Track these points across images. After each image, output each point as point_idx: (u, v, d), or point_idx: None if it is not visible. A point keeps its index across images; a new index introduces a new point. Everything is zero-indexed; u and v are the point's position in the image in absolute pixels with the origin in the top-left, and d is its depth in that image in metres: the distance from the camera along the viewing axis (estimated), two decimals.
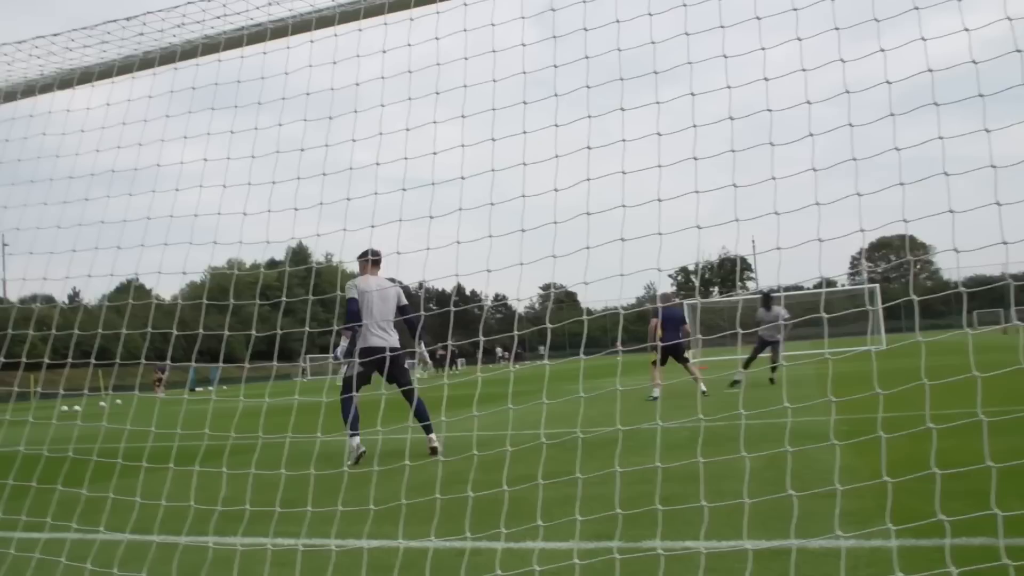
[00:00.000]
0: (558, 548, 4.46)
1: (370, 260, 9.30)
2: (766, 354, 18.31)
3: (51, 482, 5.12)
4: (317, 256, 56.00)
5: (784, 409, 3.71)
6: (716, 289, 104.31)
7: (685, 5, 3.95)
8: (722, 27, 3.86)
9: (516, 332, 4.25)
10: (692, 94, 3.88)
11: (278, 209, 4.86)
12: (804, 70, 3.77)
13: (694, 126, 3.89)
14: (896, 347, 20.21)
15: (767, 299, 18.73)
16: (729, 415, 7.91)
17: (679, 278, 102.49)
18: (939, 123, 3.46)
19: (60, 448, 5.41)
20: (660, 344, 15.33)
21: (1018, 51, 3.22)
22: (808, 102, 3.75)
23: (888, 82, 3.58)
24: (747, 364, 18.69)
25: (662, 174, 3.84)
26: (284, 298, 4.75)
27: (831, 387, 3.78)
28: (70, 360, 5.32)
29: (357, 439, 8.61)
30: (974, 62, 3.47)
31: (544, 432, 6.15)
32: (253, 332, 4.72)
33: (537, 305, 76.32)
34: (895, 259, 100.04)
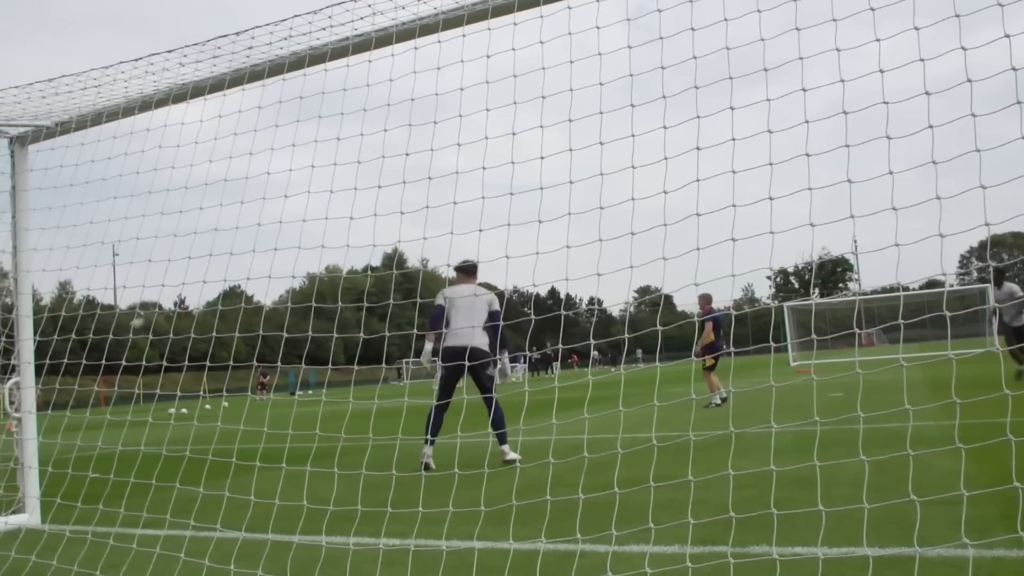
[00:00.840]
0: (668, 552, 4.41)
1: (463, 269, 9.31)
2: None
3: (170, 480, 5.31)
4: (413, 262, 56.79)
5: (890, 413, 3.59)
6: (817, 291, 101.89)
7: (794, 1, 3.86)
8: (834, 20, 3.76)
9: (636, 332, 4.22)
10: (804, 90, 3.80)
11: (384, 213, 4.93)
12: (922, 60, 3.65)
13: (806, 122, 3.81)
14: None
15: (999, 274, 15.84)
16: (838, 418, 7.69)
17: (778, 279, 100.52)
18: None
19: (177, 448, 5.60)
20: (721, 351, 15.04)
21: None
22: (927, 93, 3.63)
23: (1014, 68, 3.43)
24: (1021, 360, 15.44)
25: (773, 172, 3.78)
26: (391, 300, 4.83)
27: (953, 390, 3.65)
28: (186, 364, 5.51)
29: (429, 449, 8.64)
30: None
31: (655, 435, 6.10)
32: (361, 334, 4.80)
33: (633, 308, 75.81)
34: (1008, 258, 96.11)
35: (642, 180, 4.05)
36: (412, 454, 9.40)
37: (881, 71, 3.66)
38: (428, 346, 9.22)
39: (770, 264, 3.79)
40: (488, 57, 4.67)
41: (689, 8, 4.15)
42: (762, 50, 3.91)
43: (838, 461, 5.92)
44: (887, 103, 3.63)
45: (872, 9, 3.78)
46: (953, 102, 3.66)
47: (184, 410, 25.75)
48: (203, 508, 5.35)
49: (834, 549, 4.17)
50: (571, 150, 4.31)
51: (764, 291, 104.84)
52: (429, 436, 8.59)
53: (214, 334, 5.49)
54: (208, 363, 5.43)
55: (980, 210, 3.54)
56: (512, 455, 8.66)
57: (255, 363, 5.28)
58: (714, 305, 15.87)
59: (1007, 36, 3.37)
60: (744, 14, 4.02)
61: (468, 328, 8.83)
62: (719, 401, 15.27)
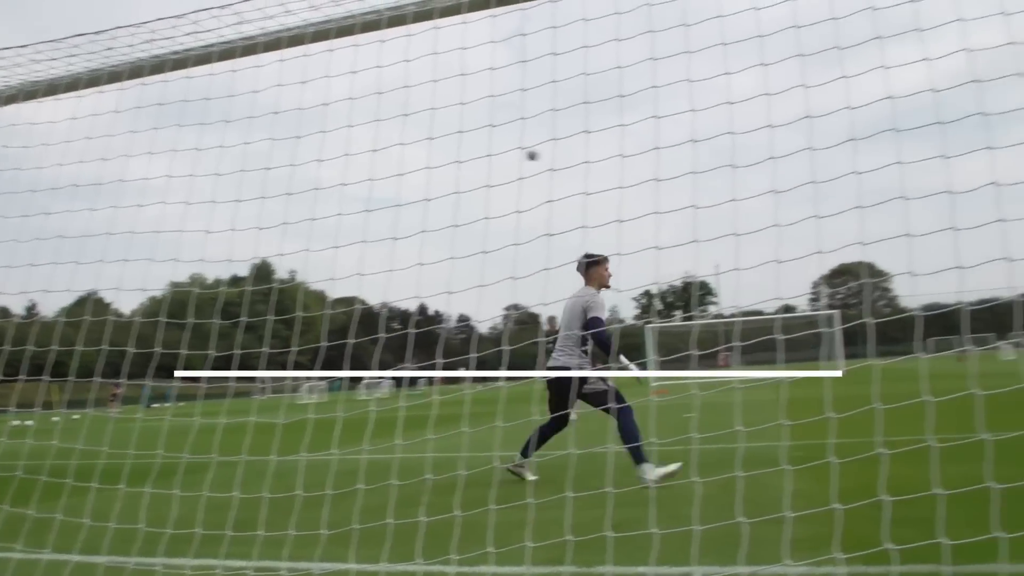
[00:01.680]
0: (510, 573, 4.42)
1: (581, 267, 7.69)
2: None
3: None
4: (281, 274, 55.67)
5: (743, 433, 3.71)
6: (679, 312, 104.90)
7: (652, 32, 3.97)
8: (688, 52, 3.89)
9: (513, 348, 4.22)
10: (656, 117, 3.91)
11: (242, 228, 4.81)
12: (768, 95, 3.81)
13: (656, 148, 3.92)
14: (852, 370, 20.42)
15: None
16: (680, 438, 7.90)
17: (643, 300, 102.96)
18: (899, 149, 3.51)
19: (8, 465, 5.29)
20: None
21: (976, 81, 3.27)
22: (770, 126, 3.79)
23: (850, 107, 3.62)
24: None
25: (623, 196, 3.86)
26: (272, 316, 4.69)
27: (784, 412, 3.79)
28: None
29: (520, 459, 7.61)
30: (934, 91, 3.52)
31: (498, 455, 6.11)
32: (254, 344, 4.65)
33: (500, 326, 76.34)
34: (855, 285, 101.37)
35: (496, 199, 4.08)
36: (258, 472, 9.15)
37: (730, 103, 3.80)
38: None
39: (619, 285, 3.85)
40: (354, 73, 4.62)
41: (552, 34, 4.21)
42: (619, 78, 4.01)
43: (676, 483, 6.08)
44: (733, 133, 3.77)
45: (724, 44, 3.92)
46: (797, 135, 3.83)
47: (30, 422, 24.39)
48: (34, 529, 5.06)
49: (674, 569, 4.25)
50: (429, 168, 4.31)
51: (629, 311, 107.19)
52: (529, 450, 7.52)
53: (80, 347, 5.21)
54: (49, 376, 5.16)
55: (824, 239, 3.71)
56: (660, 471, 6.75)
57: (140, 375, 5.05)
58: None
59: (844, 77, 3.56)
60: (603, 42, 4.11)
61: (563, 342, 7.56)
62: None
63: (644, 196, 3.79)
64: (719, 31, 3.99)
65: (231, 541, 4.55)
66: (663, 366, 41.10)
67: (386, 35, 4.67)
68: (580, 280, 7.65)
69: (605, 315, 7.47)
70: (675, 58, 3.99)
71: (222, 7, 4.82)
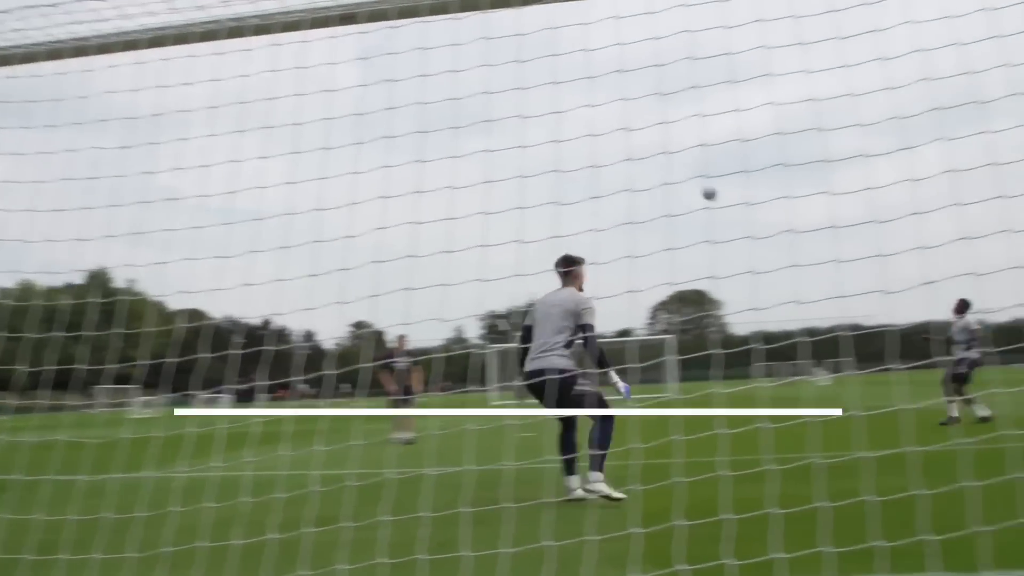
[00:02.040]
0: None
1: (558, 271, 7.44)
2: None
3: None
4: (118, 283, 53.29)
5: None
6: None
7: (519, 61, 4.08)
8: (554, 83, 4.03)
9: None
10: (521, 147, 4.02)
11: (90, 237, 4.64)
12: (627, 129, 3.99)
13: (521, 177, 4.03)
14: (693, 396, 21.14)
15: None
16: (537, 460, 8.02)
17: (488, 321, 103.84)
18: (746, 186, 3.74)
19: None
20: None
21: (818, 129, 3.54)
22: (629, 159, 3.97)
23: (704, 145, 3.84)
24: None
25: (488, 221, 3.95)
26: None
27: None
28: None
29: (572, 480, 7.12)
30: (780, 134, 3.78)
31: (318, 475, 6.01)
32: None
33: (348, 342, 75.24)
34: (691, 313, 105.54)
35: (362, 216, 4.10)
36: (88, 491, 8.72)
37: (592, 135, 3.96)
38: (517, 377, 7.66)
39: (478, 308, 3.94)
40: (217, 82, 4.54)
41: (421, 56, 4.27)
42: (487, 103, 4.11)
43: (487, 508, 6.18)
44: (595, 166, 3.93)
45: (590, 78, 4.08)
46: (652, 169, 4.02)
47: None
48: None
49: None
50: (291, 183, 4.28)
51: (474, 332, 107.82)
52: (565, 468, 7.14)
53: None
54: None
55: (667, 268, 3.90)
56: (583, 492, 6.86)
57: None
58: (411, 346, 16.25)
59: (700, 115, 3.77)
60: (473, 67, 4.20)
61: (544, 345, 7.16)
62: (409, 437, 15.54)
63: (509, 222, 3.89)
64: (585, 63, 4.15)
65: (33, 566, 4.29)
66: (505, 388, 41.73)
67: (253, 43, 4.61)
68: (566, 282, 7.34)
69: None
70: (541, 88, 4.13)
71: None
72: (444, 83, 4.18)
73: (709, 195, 4.55)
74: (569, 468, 7.08)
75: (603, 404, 6.94)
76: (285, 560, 4.60)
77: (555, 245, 3.85)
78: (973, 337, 14.14)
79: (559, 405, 6.92)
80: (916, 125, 3.86)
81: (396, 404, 15.75)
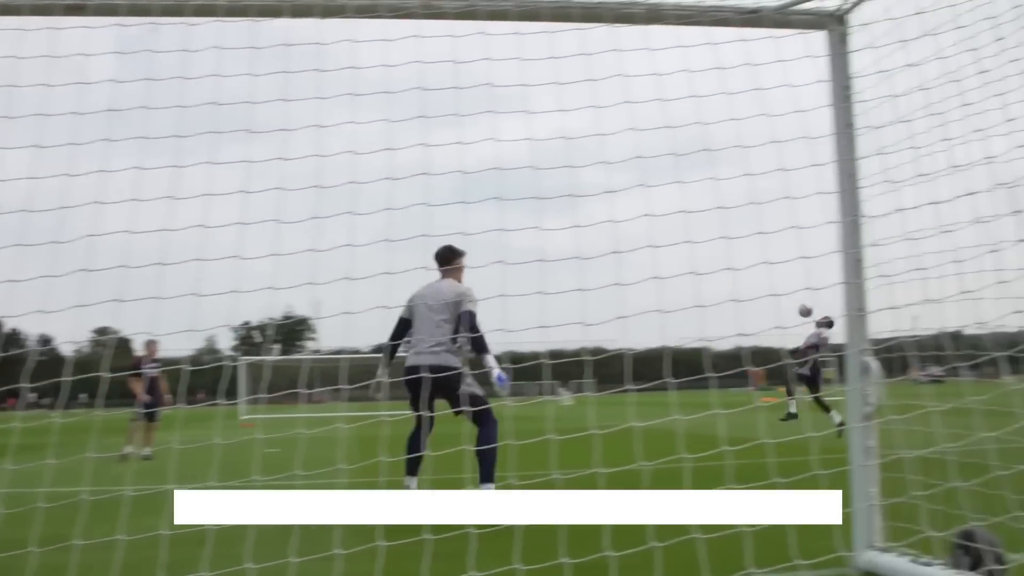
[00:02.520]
0: None
1: (436, 257, 7.32)
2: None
3: None
4: None
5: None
6: (279, 346, 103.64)
7: (286, 72, 4.07)
8: (319, 98, 4.05)
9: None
10: (282, 159, 4.01)
11: None
12: (390, 149, 4.08)
13: (280, 188, 4.02)
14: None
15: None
16: (282, 476, 7.88)
17: (241, 331, 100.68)
18: (502, 214, 3.93)
19: None
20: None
21: (569, 167, 3.78)
22: (390, 178, 4.06)
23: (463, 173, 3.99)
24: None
25: (243, 231, 3.90)
26: None
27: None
28: None
29: (410, 481, 7.01)
30: (534, 168, 3.99)
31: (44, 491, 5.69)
32: None
33: (88, 349, 70.43)
34: None
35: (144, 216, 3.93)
36: None
37: (354, 152, 4.02)
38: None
39: (230, 319, 3.87)
40: None
41: (182, 57, 4.15)
42: (249, 111, 4.06)
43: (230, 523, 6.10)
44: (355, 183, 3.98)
45: (353, 95, 4.13)
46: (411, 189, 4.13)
47: None
48: None
49: None
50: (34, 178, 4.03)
51: (227, 342, 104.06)
52: (407, 467, 6.97)
53: None
54: None
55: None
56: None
57: None
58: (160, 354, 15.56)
59: (460, 143, 3.92)
60: (237, 74, 4.14)
61: (427, 340, 7.03)
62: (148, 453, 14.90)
63: (266, 232, 3.86)
64: (351, 81, 4.19)
65: None
66: (254, 400, 40.59)
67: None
68: (447, 272, 7.29)
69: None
70: (305, 102, 4.14)
71: None
72: (206, 87, 4.10)
73: (805, 313, 4.84)
74: (411, 468, 6.94)
75: (486, 408, 6.88)
76: None
77: (314, 258, 3.86)
78: (819, 345, 15.12)
79: (441, 399, 6.85)
80: (656, 165, 4.21)
81: (146, 413, 14.94)
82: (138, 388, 14.98)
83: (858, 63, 4.82)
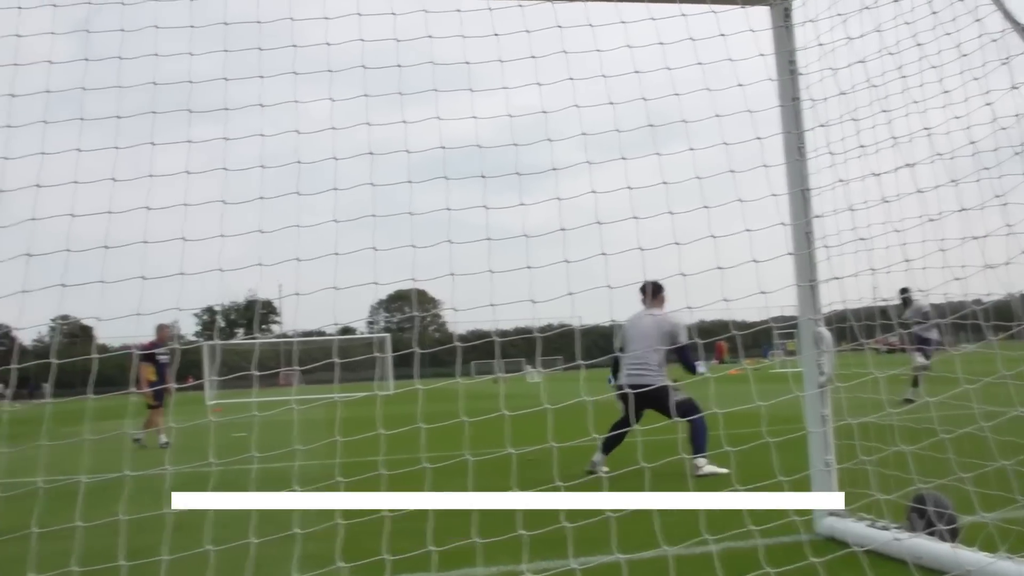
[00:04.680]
0: None
1: (642, 290, 8.74)
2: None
3: None
4: None
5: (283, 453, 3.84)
6: (242, 331, 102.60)
7: (226, 51, 4.00)
8: (261, 77, 3.98)
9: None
10: (225, 139, 3.95)
11: None
12: (334, 128, 4.03)
13: (224, 169, 3.96)
14: (400, 392, 21.53)
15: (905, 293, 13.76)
16: (240, 457, 7.81)
17: (204, 317, 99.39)
18: (448, 194, 3.91)
19: None
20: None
21: (515, 144, 3.77)
22: (335, 158, 4.02)
23: (407, 152, 3.96)
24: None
25: (187, 213, 3.84)
26: None
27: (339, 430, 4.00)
28: None
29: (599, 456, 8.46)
30: (479, 146, 3.98)
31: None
32: None
33: (47, 338, 69.03)
34: (409, 311, 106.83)
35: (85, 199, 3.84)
36: None
37: (298, 132, 3.97)
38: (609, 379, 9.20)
39: (179, 304, 3.83)
40: None
41: (120, 36, 4.06)
42: (189, 91, 3.99)
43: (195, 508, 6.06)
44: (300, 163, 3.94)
45: (295, 73, 4.07)
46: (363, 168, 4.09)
47: None
48: None
49: None
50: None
51: (191, 328, 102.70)
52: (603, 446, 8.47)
53: None
54: None
55: (382, 269, 4.00)
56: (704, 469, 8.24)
57: None
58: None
59: (404, 122, 3.89)
60: (176, 53, 4.07)
61: (637, 361, 8.50)
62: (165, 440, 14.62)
63: (211, 214, 3.80)
64: (292, 59, 4.13)
65: None
66: (224, 384, 40.18)
67: None
68: (649, 302, 8.72)
69: None
70: (248, 80, 4.07)
71: None
72: (145, 67, 4.02)
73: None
74: (607, 448, 8.40)
75: (694, 407, 8.25)
76: None
77: (258, 239, 3.82)
78: (925, 319, 15.08)
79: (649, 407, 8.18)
80: (632, 140, 4.23)
81: (154, 399, 14.54)
82: (148, 375, 14.59)
83: (800, 38, 4.87)
